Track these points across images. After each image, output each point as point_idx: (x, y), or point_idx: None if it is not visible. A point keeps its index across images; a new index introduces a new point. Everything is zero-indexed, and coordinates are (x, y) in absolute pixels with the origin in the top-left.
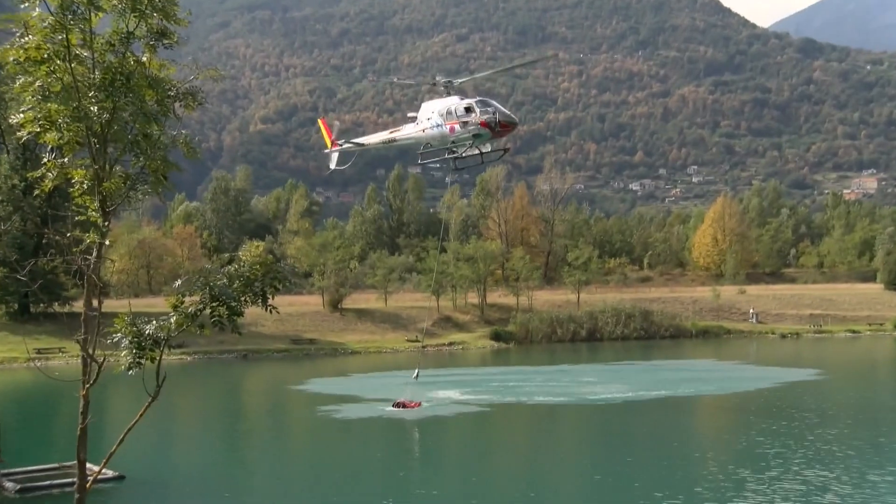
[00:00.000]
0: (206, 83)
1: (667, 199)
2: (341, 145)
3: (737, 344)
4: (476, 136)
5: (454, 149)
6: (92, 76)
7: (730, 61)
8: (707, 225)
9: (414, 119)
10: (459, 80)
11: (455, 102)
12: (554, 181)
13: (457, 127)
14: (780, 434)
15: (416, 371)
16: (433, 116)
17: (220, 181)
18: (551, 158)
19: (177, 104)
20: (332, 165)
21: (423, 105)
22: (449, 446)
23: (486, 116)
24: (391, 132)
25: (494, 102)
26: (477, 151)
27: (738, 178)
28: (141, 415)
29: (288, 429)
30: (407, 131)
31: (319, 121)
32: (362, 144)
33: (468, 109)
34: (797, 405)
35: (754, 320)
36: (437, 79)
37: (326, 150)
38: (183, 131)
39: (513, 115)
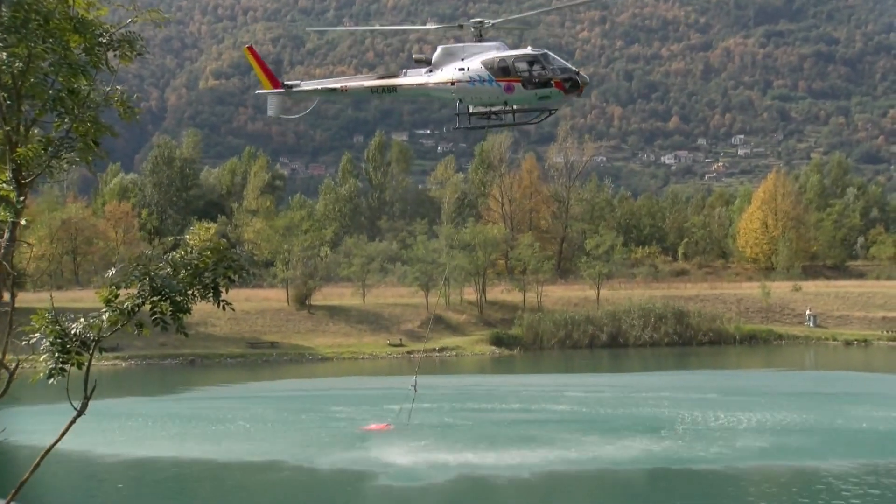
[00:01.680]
0: (147, 28)
1: (707, 176)
2: (289, 89)
3: (792, 352)
4: (542, 97)
5: (498, 111)
6: None
7: (787, 6)
8: (755, 207)
9: (423, 63)
10: (492, 22)
11: (508, 53)
12: (570, 152)
13: (517, 86)
14: None
15: (414, 380)
16: (472, 66)
17: (163, 149)
18: (567, 125)
19: (110, 53)
20: (271, 111)
21: (445, 48)
22: None
23: (562, 76)
24: (383, 78)
25: (553, 55)
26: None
27: (795, 150)
28: (63, 433)
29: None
30: (418, 80)
31: (246, 50)
32: (334, 90)
33: (533, 63)
34: None
35: (812, 324)
36: (466, 22)
37: (262, 91)
38: (118, 87)
39: (583, 74)
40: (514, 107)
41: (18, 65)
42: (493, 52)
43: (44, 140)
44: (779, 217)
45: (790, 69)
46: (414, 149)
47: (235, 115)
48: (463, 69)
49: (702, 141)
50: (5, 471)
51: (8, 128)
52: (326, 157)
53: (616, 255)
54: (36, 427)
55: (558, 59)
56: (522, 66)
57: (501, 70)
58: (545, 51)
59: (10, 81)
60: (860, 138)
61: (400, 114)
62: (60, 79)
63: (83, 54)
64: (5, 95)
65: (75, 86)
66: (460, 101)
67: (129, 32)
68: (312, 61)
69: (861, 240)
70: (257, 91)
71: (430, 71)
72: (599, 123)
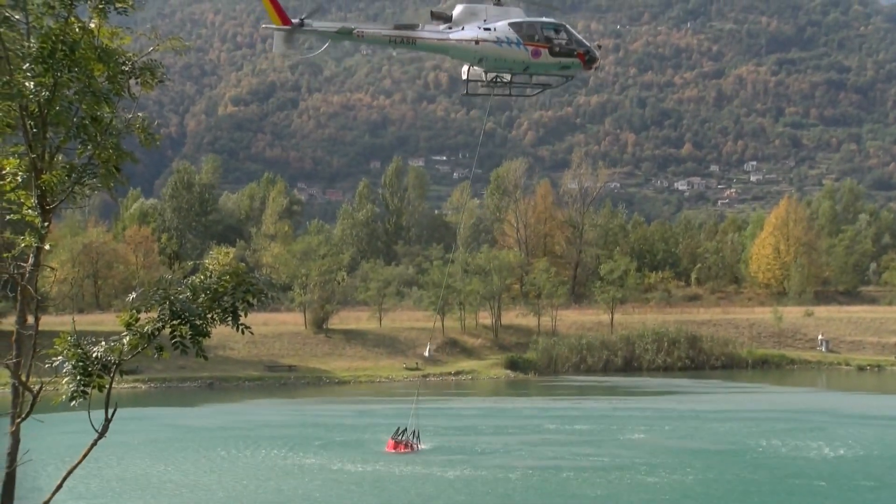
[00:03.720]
0: (168, 56)
1: (719, 202)
2: (299, 26)
3: (804, 376)
4: (564, 66)
5: (515, 77)
6: (27, 44)
7: (798, 34)
8: (767, 233)
9: (440, 19)
10: None
11: (535, 18)
12: (584, 178)
13: (544, 52)
14: None
15: (428, 347)
16: (500, 27)
17: (183, 174)
18: (581, 151)
19: (132, 81)
20: (277, 48)
21: (467, 7)
22: None
23: (583, 48)
24: (401, 28)
25: (571, 28)
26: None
27: (807, 177)
28: (85, 455)
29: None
30: (438, 35)
31: None
32: (349, 31)
33: (558, 31)
34: None
35: (824, 349)
36: None
37: (269, 26)
38: (139, 114)
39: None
40: (531, 74)
41: (45, 93)
42: (518, 16)
43: (67, 166)
44: (791, 242)
45: (802, 96)
46: (430, 174)
47: (254, 140)
48: (489, 29)
49: (714, 167)
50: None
51: (34, 155)
52: (344, 183)
53: (630, 280)
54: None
55: (572, 30)
56: (550, 33)
57: (529, 35)
58: (564, 23)
59: (36, 110)
60: (872, 165)
61: (416, 139)
62: (84, 106)
63: (106, 82)
64: (31, 123)
65: (98, 113)
66: (480, 61)
67: (151, 60)
68: (330, 89)
69: (873, 265)
70: (263, 25)
71: (451, 27)
72: (613, 150)
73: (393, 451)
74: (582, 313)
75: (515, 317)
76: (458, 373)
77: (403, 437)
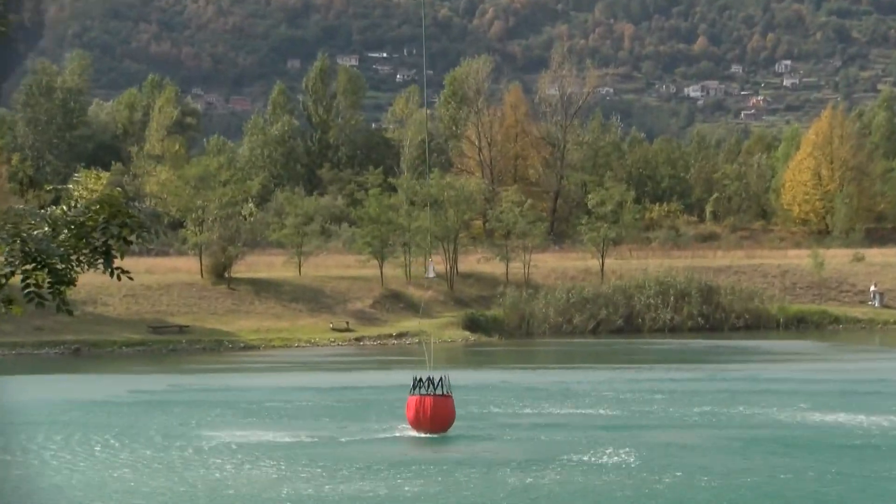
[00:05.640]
0: None
1: (743, 113)
2: None
3: (853, 338)
4: None
5: None
6: None
7: None
8: (805, 154)
9: None
10: None
11: None
12: (567, 82)
13: None
14: None
15: (430, 267)
16: None
17: (40, 76)
18: (563, 46)
19: None
20: None
21: None
22: None
23: None
24: None
25: None
26: None
27: (856, 81)
28: None
29: None
30: None
31: None
32: None
33: None
34: None
35: (877, 303)
36: None
37: None
38: None
39: None
40: None
41: None
42: None
43: None
44: (835, 166)
45: None
46: (366, 76)
47: (135, 32)
48: None
49: (736, 68)
50: None
51: None
52: (253, 88)
53: (626, 214)
54: None
55: None
56: None
57: None
58: None
59: None
60: None
61: (348, 31)
62: None
63: None
64: None
65: None
66: None
67: None
68: None
69: None
70: None
71: None
72: (605, 45)
73: (417, 417)
74: (564, 258)
75: (477, 262)
76: (401, 335)
77: (432, 388)
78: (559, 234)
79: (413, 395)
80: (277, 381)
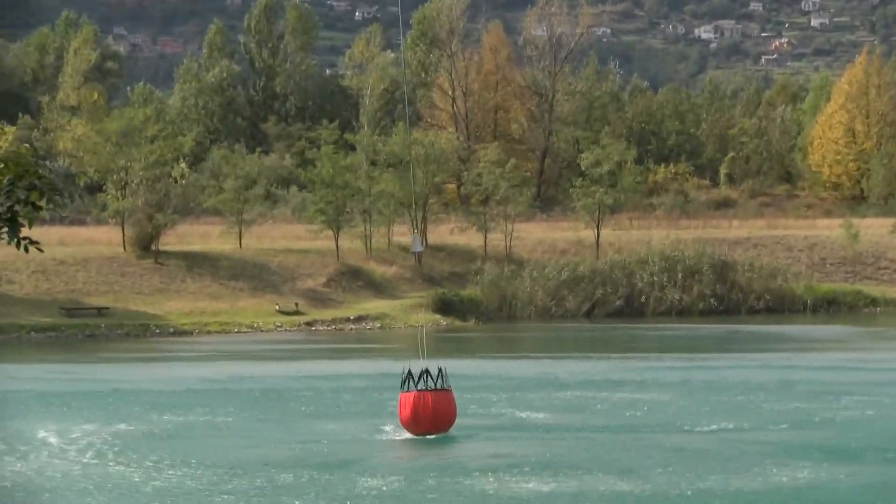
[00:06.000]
0: None
1: (764, 58)
2: None
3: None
4: None
5: None
6: None
7: None
8: (837, 106)
9: None
10: None
11: None
12: (557, 21)
13: None
14: None
15: (415, 240)
16: None
17: None
18: None
19: None
20: None
21: None
22: None
23: None
24: None
25: None
26: None
27: None
28: None
29: None
30: None
31: None
32: None
33: None
34: None
35: None
36: None
37: None
38: None
39: None
40: None
41: None
42: None
43: None
44: (872, 121)
45: None
46: (319, 14)
47: None
48: None
49: (756, 5)
50: None
51: None
52: (185, 28)
53: (626, 177)
54: None
55: None
56: None
57: None
58: None
59: None
60: None
61: None
62: None
63: None
64: None
65: None
66: None
67: None
68: None
69: None
70: None
71: None
72: None
73: (416, 416)
74: (553, 228)
75: (450, 233)
76: (359, 318)
77: (430, 381)
78: (547, 200)
79: (407, 391)
80: (212, 371)
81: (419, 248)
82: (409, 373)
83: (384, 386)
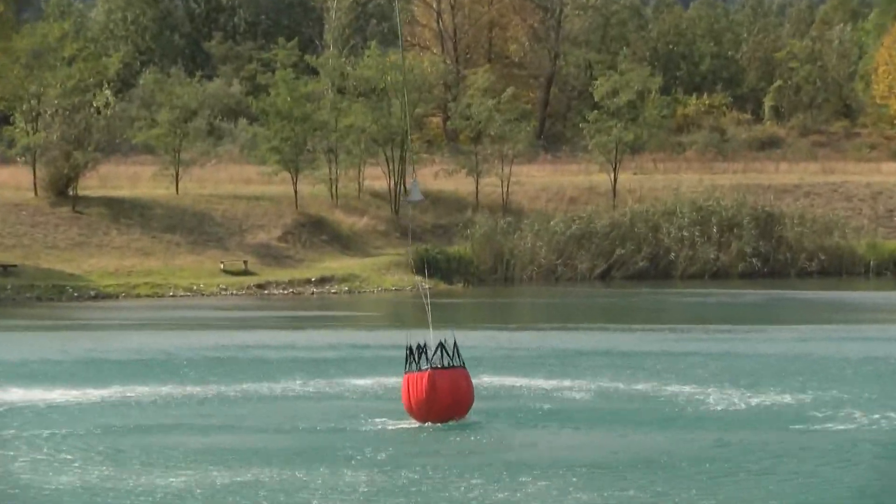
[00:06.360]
0: None
1: None
2: None
3: None
4: None
5: None
6: None
7: None
8: None
9: None
10: None
11: None
12: None
13: None
14: None
15: (415, 186)
16: None
17: None
18: None
19: None
20: None
21: None
22: None
23: None
24: None
25: None
26: None
27: None
28: None
29: None
30: None
31: None
32: None
33: None
34: None
35: None
36: None
37: None
38: None
39: None
40: None
41: None
42: None
43: None
44: None
45: None
46: None
47: None
48: None
49: None
50: None
51: None
52: None
53: (649, 109)
54: None
55: None
56: None
57: None
58: None
59: None
60: None
61: None
62: None
63: None
64: None
65: None
66: None
67: None
68: None
69: None
70: None
71: None
72: None
73: (431, 400)
74: (560, 171)
75: (434, 177)
76: (322, 280)
77: (435, 359)
78: (553, 137)
79: (412, 370)
80: (140, 342)
81: (418, 198)
82: (418, 347)
83: (353, 358)
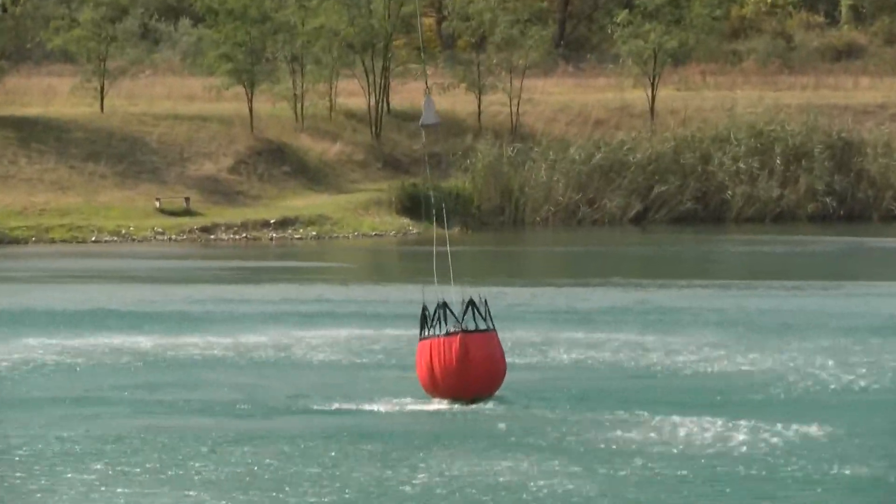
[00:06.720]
0: None
1: None
2: None
3: None
4: None
5: None
6: None
7: None
8: None
9: None
10: None
11: None
12: None
13: None
14: None
15: (431, 105)
16: None
17: None
18: None
19: None
20: None
21: None
22: None
23: None
24: None
25: None
26: None
27: None
28: None
29: None
30: None
31: None
32: None
33: None
34: None
35: None
36: None
37: None
38: None
39: None
40: None
41: None
42: None
43: None
44: None
45: None
46: None
47: None
48: None
49: None
50: None
51: None
52: None
53: (696, 8)
54: None
55: None
56: None
57: None
58: None
59: None
60: None
61: None
62: None
63: None
64: None
65: None
66: None
67: None
68: None
69: None
70: None
71: None
72: None
73: (462, 373)
74: (583, 87)
75: (424, 94)
76: (284, 223)
77: (457, 322)
78: (575, 43)
79: (428, 336)
80: (53, 299)
81: (433, 121)
82: (439, 306)
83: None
